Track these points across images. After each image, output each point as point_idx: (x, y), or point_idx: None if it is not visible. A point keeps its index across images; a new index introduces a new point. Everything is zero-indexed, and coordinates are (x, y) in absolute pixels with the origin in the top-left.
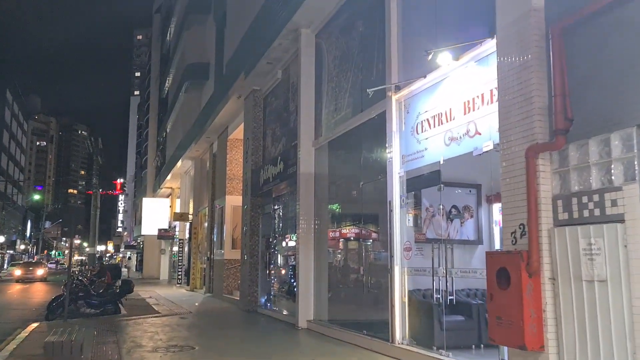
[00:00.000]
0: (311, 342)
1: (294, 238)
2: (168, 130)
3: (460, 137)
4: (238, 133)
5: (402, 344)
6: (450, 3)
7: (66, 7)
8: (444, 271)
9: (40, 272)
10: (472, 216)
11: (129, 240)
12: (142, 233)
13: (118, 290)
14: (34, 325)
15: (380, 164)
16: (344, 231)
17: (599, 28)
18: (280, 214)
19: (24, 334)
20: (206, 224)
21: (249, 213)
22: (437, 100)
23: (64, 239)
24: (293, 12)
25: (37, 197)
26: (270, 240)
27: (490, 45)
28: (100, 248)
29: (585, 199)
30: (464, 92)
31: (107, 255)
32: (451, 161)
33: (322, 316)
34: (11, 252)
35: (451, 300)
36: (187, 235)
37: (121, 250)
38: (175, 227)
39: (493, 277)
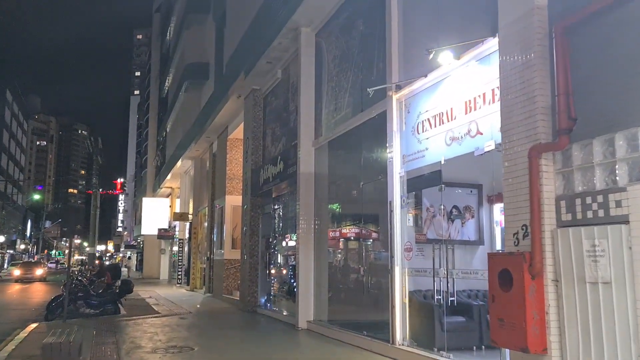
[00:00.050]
0: (311, 342)
1: (294, 238)
2: (168, 130)
3: (462, 137)
4: (238, 133)
5: (402, 345)
6: (452, 1)
7: (66, 7)
8: (445, 272)
9: (39, 272)
10: (473, 216)
11: (129, 240)
12: (142, 233)
13: (118, 291)
14: (33, 325)
15: (380, 164)
16: (344, 231)
17: (602, 26)
18: (280, 213)
19: (23, 334)
20: (206, 224)
21: (248, 213)
22: (438, 99)
23: (64, 238)
24: (293, 11)
25: (37, 196)
26: (270, 240)
27: (491, 44)
28: (101, 248)
29: (589, 200)
30: (466, 91)
31: (107, 255)
32: (452, 161)
33: (322, 317)
34: (11, 251)
35: (452, 301)
36: (187, 235)
37: (121, 249)
38: (175, 227)
39: (495, 278)
